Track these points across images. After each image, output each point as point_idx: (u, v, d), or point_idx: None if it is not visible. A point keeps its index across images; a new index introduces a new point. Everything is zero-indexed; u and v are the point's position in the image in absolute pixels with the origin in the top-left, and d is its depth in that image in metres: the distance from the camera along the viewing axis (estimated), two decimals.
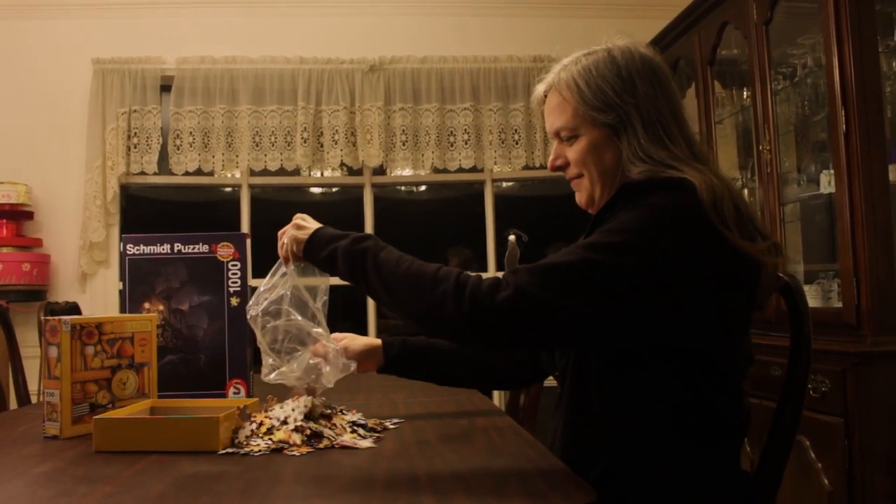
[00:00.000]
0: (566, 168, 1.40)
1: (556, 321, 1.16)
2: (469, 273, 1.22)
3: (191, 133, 4.10)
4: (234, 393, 1.88)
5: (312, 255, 1.39)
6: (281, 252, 1.46)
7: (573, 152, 1.37)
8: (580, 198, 1.42)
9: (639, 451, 1.25)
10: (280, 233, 1.46)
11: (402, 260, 1.27)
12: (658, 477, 1.24)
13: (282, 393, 1.50)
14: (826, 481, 2.40)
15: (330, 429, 1.38)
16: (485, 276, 1.21)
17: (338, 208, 4.88)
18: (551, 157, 1.42)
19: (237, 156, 4.14)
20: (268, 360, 1.47)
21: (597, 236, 1.21)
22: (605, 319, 1.17)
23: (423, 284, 1.21)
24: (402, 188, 4.80)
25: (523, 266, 1.19)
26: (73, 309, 2.86)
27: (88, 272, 4.07)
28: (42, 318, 2.59)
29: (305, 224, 1.43)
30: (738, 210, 1.23)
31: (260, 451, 1.29)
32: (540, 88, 1.43)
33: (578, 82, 1.34)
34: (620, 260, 1.16)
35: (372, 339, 1.68)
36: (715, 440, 1.27)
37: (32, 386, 2.85)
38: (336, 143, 4.15)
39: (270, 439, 1.33)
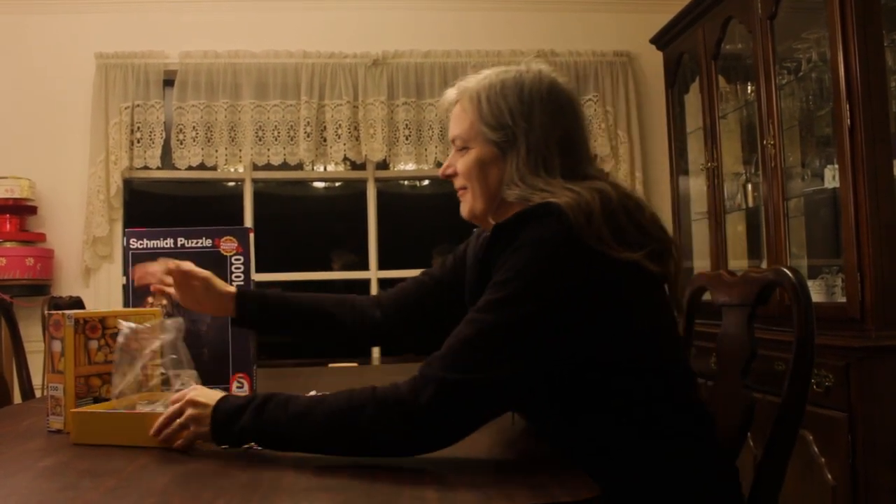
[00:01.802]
0: (455, 177, 1.42)
1: (487, 395, 1.16)
2: (381, 388, 1.18)
3: (194, 128, 4.10)
4: (238, 387, 1.88)
5: (222, 442, 1.25)
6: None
7: (462, 163, 1.39)
8: (463, 209, 1.44)
9: (601, 459, 1.24)
10: (176, 404, 1.29)
11: (311, 407, 1.19)
12: (624, 479, 1.24)
13: None
14: (829, 476, 2.40)
15: None
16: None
17: (341, 203, 4.88)
18: (444, 164, 1.45)
19: (240, 150, 4.13)
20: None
21: (487, 295, 1.20)
22: (530, 371, 1.17)
23: (345, 423, 1.16)
24: (405, 182, 4.80)
25: (433, 355, 1.18)
26: (77, 303, 2.87)
27: (92, 267, 4.07)
28: (46, 312, 2.59)
29: (200, 407, 1.26)
30: (615, 220, 1.22)
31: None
32: (450, 94, 1.45)
33: (481, 96, 1.36)
34: (517, 310, 1.16)
35: (220, 285, 1.63)
36: (675, 430, 1.27)
37: (36, 380, 2.84)
38: (339, 138, 4.15)
39: None
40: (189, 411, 1.26)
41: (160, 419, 1.29)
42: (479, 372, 1.14)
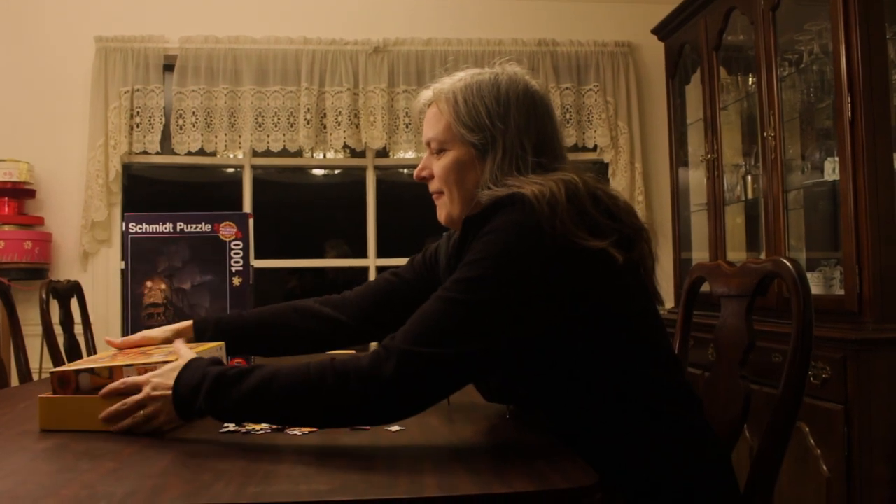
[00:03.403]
0: (430, 180, 1.42)
1: (448, 370, 1.16)
2: (341, 359, 1.17)
3: (193, 113, 4.09)
4: None
5: (185, 418, 1.24)
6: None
7: (439, 166, 1.39)
8: (440, 214, 1.44)
9: (592, 446, 1.25)
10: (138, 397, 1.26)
11: (267, 381, 1.17)
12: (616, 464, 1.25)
13: None
14: (825, 468, 2.41)
15: None
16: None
17: (340, 190, 4.87)
18: (419, 167, 1.44)
19: (240, 136, 4.12)
20: None
21: (454, 276, 1.21)
22: (493, 351, 1.18)
23: (304, 395, 1.16)
24: (405, 171, 4.79)
25: (398, 332, 1.18)
26: (75, 288, 2.86)
27: (90, 251, 4.07)
28: (43, 296, 2.59)
29: (161, 401, 1.24)
30: (581, 208, 1.23)
31: (262, 429, 1.29)
32: (425, 95, 1.44)
33: (458, 97, 1.36)
34: (482, 289, 1.17)
35: (177, 325, 1.60)
36: (661, 414, 1.28)
37: (34, 363, 2.85)
38: (339, 125, 4.14)
39: None
40: (150, 408, 1.24)
41: (116, 407, 1.26)
42: (440, 346, 1.14)
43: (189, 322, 1.61)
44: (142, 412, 1.25)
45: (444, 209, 1.42)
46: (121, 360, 1.37)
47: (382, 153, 4.40)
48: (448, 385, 1.19)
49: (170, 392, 1.22)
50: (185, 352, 1.34)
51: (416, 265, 1.68)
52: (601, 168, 4.35)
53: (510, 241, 1.19)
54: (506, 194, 1.25)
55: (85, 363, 1.38)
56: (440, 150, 1.38)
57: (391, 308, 1.64)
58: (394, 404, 1.16)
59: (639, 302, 1.33)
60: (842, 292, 2.57)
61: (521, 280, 1.18)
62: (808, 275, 2.72)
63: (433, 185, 1.42)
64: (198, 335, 1.59)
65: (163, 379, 1.25)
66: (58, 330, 2.65)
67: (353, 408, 1.15)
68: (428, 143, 1.41)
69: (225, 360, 1.52)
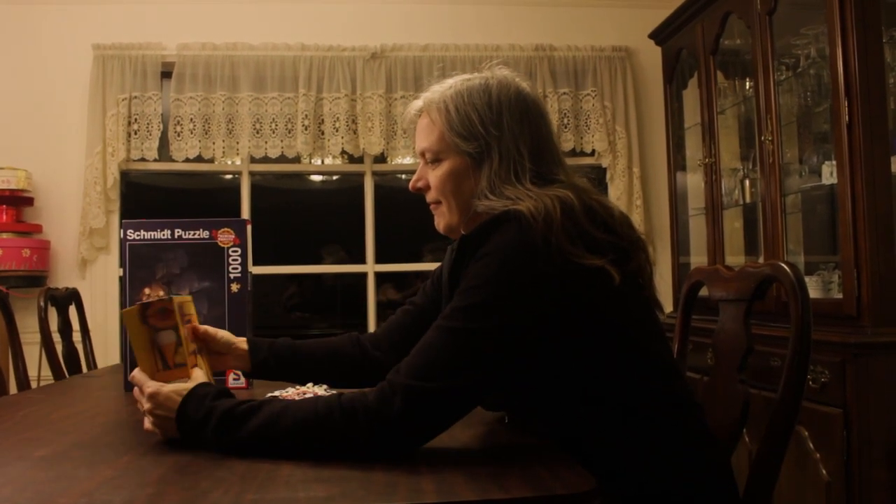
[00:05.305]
0: (427, 191, 1.41)
1: (454, 402, 1.17)
2: (348, 395, 1.17)
3: (191, 120, 4.09)
4: (234, 379, 1.88)
5: (190, 445, 1.21)
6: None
7: (434, 177, 1.37)
8: (438, 224, 1.42)
9: (591, 454, 1.25)
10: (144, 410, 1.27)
11: (274, 418, 1.16)
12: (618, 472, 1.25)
13: None
14: (824, 472, 2.41)
15: None
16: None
17: (338, 196, 4.87)
18: (413, 178, 1.42)
19: (238, 143, 4.12)
20: None
21: (452, 303, 1.21)
22: (496, 376, 1.18)
23: (312, 434, 1.15)
24: (403, 176, 4.79)
25: (401, 362, 1.18)
26: (74, 295, 2.86)
27: (88, 258, 4.06)
28: (40, 303, 2.59)
29: (163, 419, 1.23)
30: (577, 224, 1.22)
31: None
32: (415, 106, 1.42)
33: (449, 106, 1.34)
34: (482, 317, 1.17)
35: (233, 338, 1.58)
36: (661, 422, 1.28)
37: (32, 371, 2.85)
38: (337, 131, 4.14)
39: None
40: (153, 421, 1.24)
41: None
42: (445, 379, 1.15)
43: (243, 338, 1.59)
44: (146, 426, 1.26)
45: (443, 219, 1.41)
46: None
47: (380, 159, 4.40)
48: (455, 415, 1.19)
49: (172, 415, 1.21)
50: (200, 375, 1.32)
51: (427, 289, 1.66)
52: (599, 173, 4.35)
53: (507, 263, 1.18)
54: (501, 211, 1.25)
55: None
56: (435, 161, 1.37)
57: (415, 338, 1.62)
58: (402, 440, 1.16)
59: (637, 311, 1.32)
60: (840, 296, 2.57)
61: (520, 303, 1.17)
62: (807, 278, 2.72)
63: (430, 196, 1.41)
64: (252, 354, 1.57)
65: (167, 400, 1.23)
66: (56, 338, 2.65)
67: (362, 445, 1.14)
68: (422, 154, 1.40)
69: None
